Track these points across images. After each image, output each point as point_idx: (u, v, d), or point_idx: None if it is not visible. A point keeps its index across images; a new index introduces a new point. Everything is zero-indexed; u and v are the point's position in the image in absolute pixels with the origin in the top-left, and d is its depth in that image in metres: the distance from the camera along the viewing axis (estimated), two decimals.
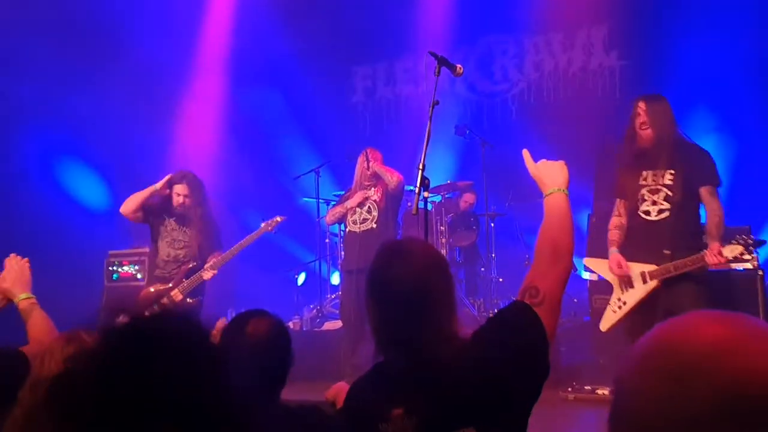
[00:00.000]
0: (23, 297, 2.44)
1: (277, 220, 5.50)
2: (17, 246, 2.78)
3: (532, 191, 2.28)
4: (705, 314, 0.79)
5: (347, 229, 5.75)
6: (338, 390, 2.38)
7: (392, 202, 5.66)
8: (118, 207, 5.33)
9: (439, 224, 6.63)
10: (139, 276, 6.76)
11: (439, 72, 3.47)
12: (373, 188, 5.66)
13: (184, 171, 5.30)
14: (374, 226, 5.55)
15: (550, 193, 1.95)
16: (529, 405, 1.72)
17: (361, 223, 5.62)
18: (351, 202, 5.71)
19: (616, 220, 4.16)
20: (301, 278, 7.73)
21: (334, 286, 7.29)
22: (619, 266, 4.00)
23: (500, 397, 1.66)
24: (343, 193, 7.16)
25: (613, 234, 4.11)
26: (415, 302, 1.69)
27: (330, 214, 5.93)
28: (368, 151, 5.71)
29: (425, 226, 3.38)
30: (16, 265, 2.47)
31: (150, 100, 7.74)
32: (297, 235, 8.20)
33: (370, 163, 5.58)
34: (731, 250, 3.82)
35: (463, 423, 1.65)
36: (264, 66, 8.48)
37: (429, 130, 3.31)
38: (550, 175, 1.99)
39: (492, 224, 6.64)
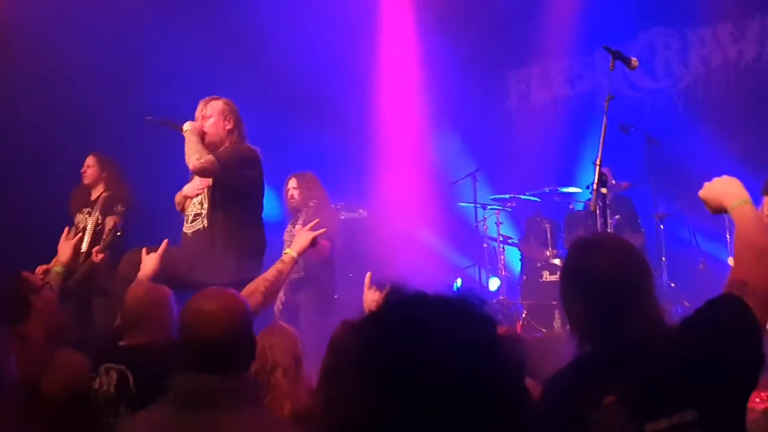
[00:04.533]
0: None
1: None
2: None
3: None
4: None
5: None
6: None
7: (222, 189, 3.83)
8: None
9: (605, 226, 6.41)
10: None
11: (613, 66, 3.47)
12: None
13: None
14: (205, 224, 3.84)
15: (737, 205, 1.94)
16: (746, 394, 1.73)
17: (191, 221, 3.92)
18: (187, 188, 4.03)
19: None
20: (457, 283, 7.75)
21: (492, 292, 7.26)
22: None
23: (715, 382, 1.67)
24: (499, 197, 7.16)
25: None
26: (620, 289, 1.77)
27: (176, 204, 4.18)
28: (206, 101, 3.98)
29: (603, 223, 3.35)
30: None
31: (302, 105, 7.87)
32: (453, 240, 8.24)
33: (196, 123, 3.86)
34: None
35: (681, 407, 1.66)
36: (421, 73, 8.56)
37: (605, 125, 3.34)
38: (728, 190, 1.98)
39: (661, 226, 6.30)
